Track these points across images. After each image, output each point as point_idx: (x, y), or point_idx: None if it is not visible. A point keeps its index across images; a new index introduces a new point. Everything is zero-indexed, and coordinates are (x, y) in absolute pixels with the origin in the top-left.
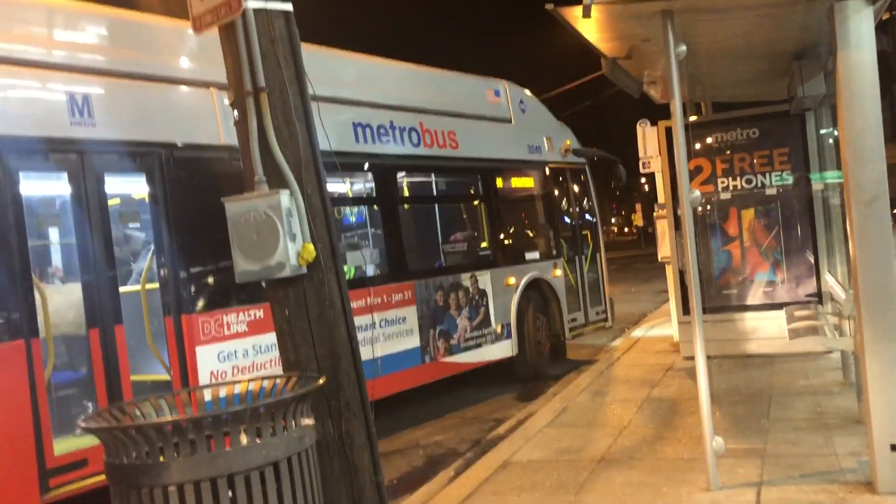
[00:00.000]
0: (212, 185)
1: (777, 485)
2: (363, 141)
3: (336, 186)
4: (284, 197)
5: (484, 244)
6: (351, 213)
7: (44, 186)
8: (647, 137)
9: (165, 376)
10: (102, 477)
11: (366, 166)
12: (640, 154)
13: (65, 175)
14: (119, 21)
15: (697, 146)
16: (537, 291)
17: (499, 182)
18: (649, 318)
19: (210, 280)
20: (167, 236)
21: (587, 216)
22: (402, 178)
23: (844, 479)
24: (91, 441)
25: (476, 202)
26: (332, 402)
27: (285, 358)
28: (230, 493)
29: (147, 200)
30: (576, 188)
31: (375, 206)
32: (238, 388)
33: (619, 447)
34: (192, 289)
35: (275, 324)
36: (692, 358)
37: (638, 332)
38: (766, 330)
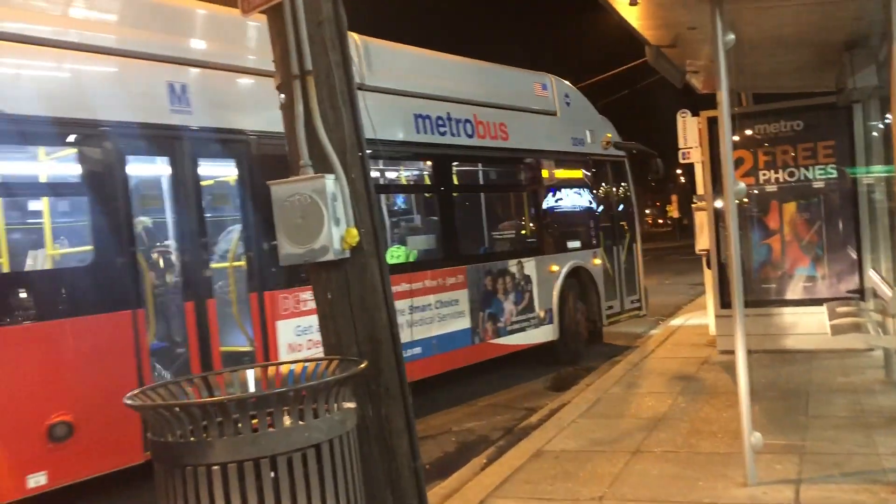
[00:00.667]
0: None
1: (816, 482)
2: (423, 132)
3: (397, 174)
4: (329, 181)
5: (530, 232)
6: (411, 201)
7: (150, 169)
8: (688, 128)
9: (249, 347)
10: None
11: (425, 156)
12: (680, 144)
13: (167, 158)
14: (217, 17)
15: (738, 137)
16: (577, 279)
17: (544, 173)
18: (684, 310)
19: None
20: (253, 218)
21: (625, 208)
22: (457, 168)
23: (887, 479)
24: None
25: (523, 192)
26: (373, 387)
27: (326, 341)
28: (272, 474)
29: (235, 184)
30: (615, 180)
31: (433, 194)
32: (282, 370)
33: (654, 440)
34: (273, 267)
35: (317, 307)
36: (729, 352)
37: (672, 325)
38: (805, 325)
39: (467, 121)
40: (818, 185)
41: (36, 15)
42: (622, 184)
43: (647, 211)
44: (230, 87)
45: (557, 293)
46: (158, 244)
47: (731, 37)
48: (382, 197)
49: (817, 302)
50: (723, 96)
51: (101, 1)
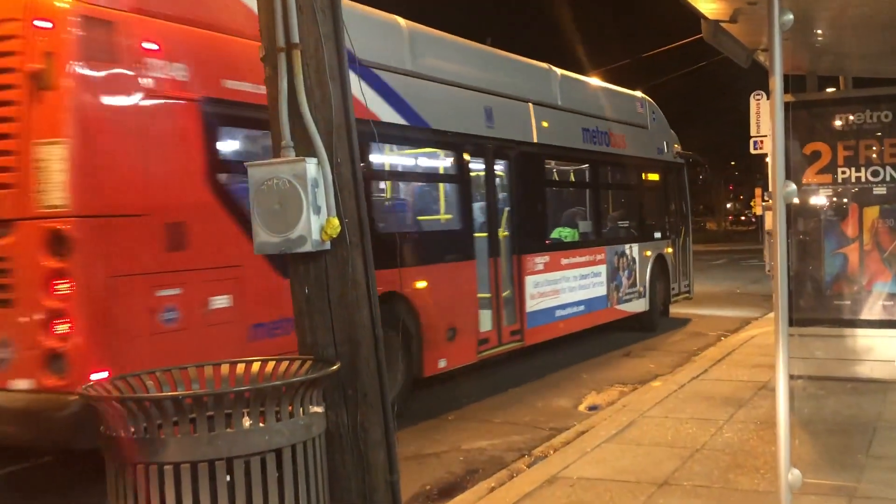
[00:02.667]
0: (530, 171)
1: None
2: (585, 142)
3: (567, 174)
4: (311, 165)
5: (636, 223)
6: (573, 194)
7: (475, 166)
8: (762, 113)
9: (509, 293)
10: (499, 349)
11: (585, 160)
12: (752, 131)
13: (482, 159)
14: (496, 56)
15: (817, 127)
16: (658, 263)
17: (643, 175)
18: (752, 325)
19: (533, 233)
20: (514, 201)
21: (683, 206)
22: (600, 170)
23: None
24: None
25: (632, 190)
26: (349, 392)
27: (301, 340)
28: (228, 478)
29: (507, 178)
30: (678, 183)
31: (588, 190)
32: (253, 368)
33: (687, 472)
34: (524, 238)
35: (293, 302)
36: (794, 377)
37: (735, 342)
38: (881, 351)
39: (605, 133)
40: None
41: (435, 63)
42: (683, 187)
43: (728, 205)
44: (508, 110)
45: (649, 273)
46: (476, 219)
47: (789, 17)
48: (556, 189)
49: None
50: (776, 83)
51: (457, 52)
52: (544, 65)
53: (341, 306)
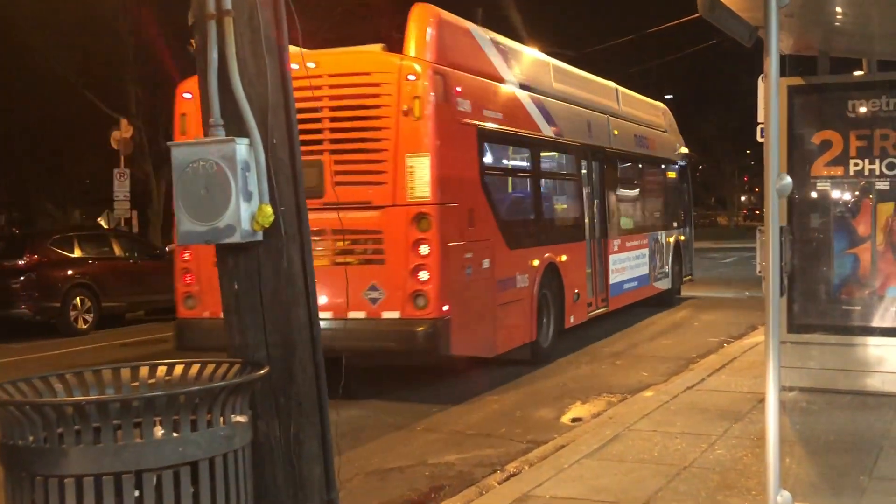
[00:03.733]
0: (608, 170)
1: None
2: (636, 146)
3: (620, 172)
4: (242, 146)
5: (663, 213)
6: (628, 190)
7: (580, 167)
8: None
9: (600, 268)
10: (597, 311)
11: (635, 161)
12: (760, 117)
13: (584, 161)
14: (590, 78)
15: (829, 114)
16: (676, 249)
17: (666, 173)
18: (759, 331)
19: (611, 220)
20: (601, 195)
21: (688, 200)
22: (642, 168)
23: None
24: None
25: (660, 186)
26: (281, 400)
27: (230, 341)
28: (136, 493)
29: (594, 176)
30: (685, 179)
31: (637, 185)
32: (175, 371)
33: (672, 492)
34: (606, 224)
35: (222, 298)
36: (795, 389)
37: (738, 348)
38: (893, 362)
39: (645, 138)
40: None
41: (560, 86)
42: (688, 182)
43: (743, 198)
44: (597, 121)
45: (671, 257)
46: (584, 209)
47: None
48: (621, 184)
49: None
50: (771, 65)
51: (568, 75)
52: (611, 83)
53: (275, 304)
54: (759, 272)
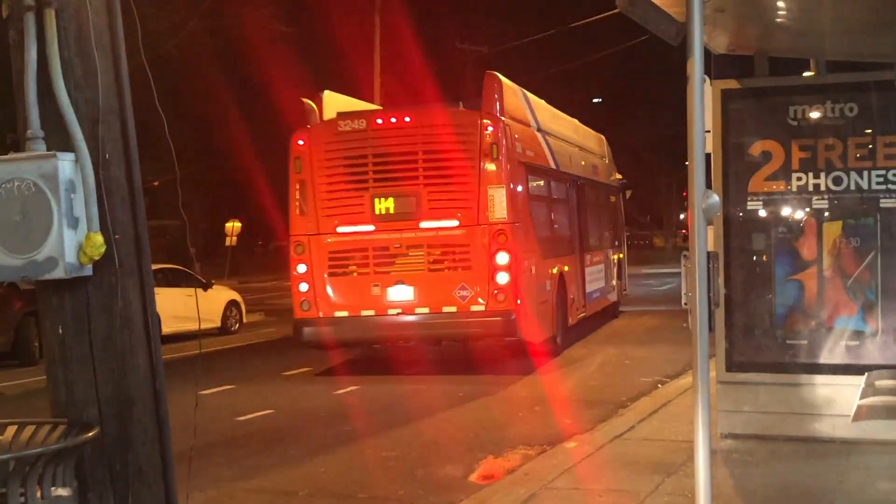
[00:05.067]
0: (580, 196)
1: None
2: (592, 173)
3: (595, 197)
4: (66, 163)
5: (610, 234)
6: (596, 213)
7: (571, 193)
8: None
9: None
10: (582, 315)
11: (590, 187)
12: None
13: (570, 189)
14: (566, 117)
15: (768, 122)
16: (618, 266)
17: (610, 198)
18: None
19: (585, 237)
20: (576, 216)
21: (621, 221)
22: (600, 195)
23: None
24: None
25: (607, 209)
26: (117, 467)
27: (54, 397)
28: None
29: (573, 200)
30: (620, 202)
31: (599, 209)
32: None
33: None
34: (583, 241)
35: (44, 346)
36: (736, 436)
37: (674, 390)
38: (844, 403)
39: (596, 166)
40: (876, 198)
41: (564, 131)
42: (621, 205)
43: (682, 216)
44: (588, 160)
45: (616, 272)
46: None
47: None
48: (589, 206)
49: (864, 369)
50: (694, 66)
51: (569, 123)
52: (573, 119)
53: (108, 352)
54: (685, 304)
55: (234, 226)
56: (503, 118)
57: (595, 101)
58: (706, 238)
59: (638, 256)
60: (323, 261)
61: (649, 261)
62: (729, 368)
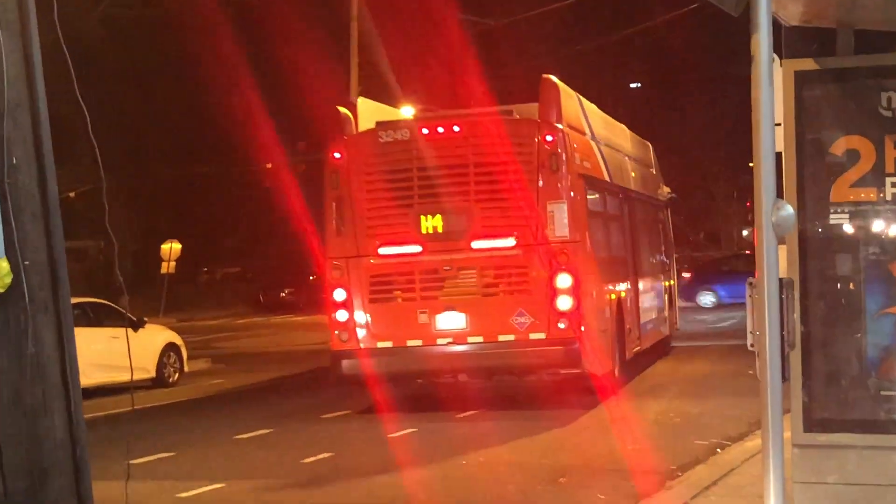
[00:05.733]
0: (632, 212)
1: None
2: (642, 186)
3: (638, 214)
4: None
5: (661, 256)
6: (643, 232)
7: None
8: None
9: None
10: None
11: (641, 202)
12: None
13: (623, 204)
14: (614, 122)
15: (854, 113)
16: (669, 294)
17: (659, 214)
18: None
19: (639, 260)
20: (630, 235)
21: (672, 242)
22: (646, 210)
23: None
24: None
25: (657, 228)
26: None
27: None
28: None
29: (626, 217)
30: (669, 220)
31: (646, 228)
32: None
33: None
34: (637, 264)
35: None
36: None
37: (737, 456)
38: None
39: (646, 178)
40: None
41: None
42: (670, 223)
43: (745, 232)
44: (631, 167)
45: (667, 302)
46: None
47: None
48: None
49: None
50: (759, 42)
51: (623, 132)
52: (622, 125)
53: (16, 411)
54: (751, 345)
55: (172, 248)
56: (564, 126)
57: (633, 86)
58: (777, 261)
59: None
60: (363, 286)
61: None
62: (808, 428)
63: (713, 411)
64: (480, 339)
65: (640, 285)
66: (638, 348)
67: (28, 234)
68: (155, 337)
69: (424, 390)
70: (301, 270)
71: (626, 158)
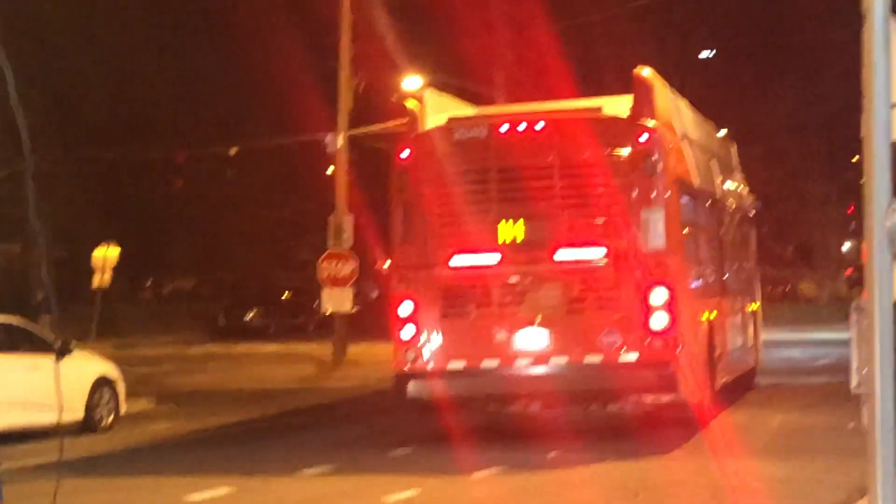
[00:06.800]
0: (718, 222)
1: None
2: (727, 193)
3: (723, 225)
4: None
5: (747, 276)
6: (728, 247)
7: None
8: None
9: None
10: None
11: (726, 211)
12: (867, 91)
13: (712, 212)
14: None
15: None
16: (754, 320)
17: (743, 226)
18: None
19: (726, 278)
20: (716, 248)
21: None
22: (731, 220)
23: None
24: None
25: (742, 242)
26: None
27: None
28: None
29: (712, 228)
30: (753, 233)
31: (731, 242)
32: None
33: None
34: (723, 282)
35: None
36: None
37: None
38: None
39: (732, 182)
40: None
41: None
42: (755, 237)
43: (845, 245)
44: (713, 168)
45: (753, 329)
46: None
47: None
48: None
49: None
50: None
51: (703, 124)
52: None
53: None
54: (856, 386)
55: (107, 254)
56: (660, 125)
57: (703, 55)
58: (892, 280)
59: (773, 312)
60: (434, 299)
61: (790, 319)
62: None
63: (801, 474)
64: (564, 359)
65: (729, 307)
66: (726, 378)
67: None
68: (84, 368)
69: (482, 421)
70: (272, 286)
71: (713, 160)
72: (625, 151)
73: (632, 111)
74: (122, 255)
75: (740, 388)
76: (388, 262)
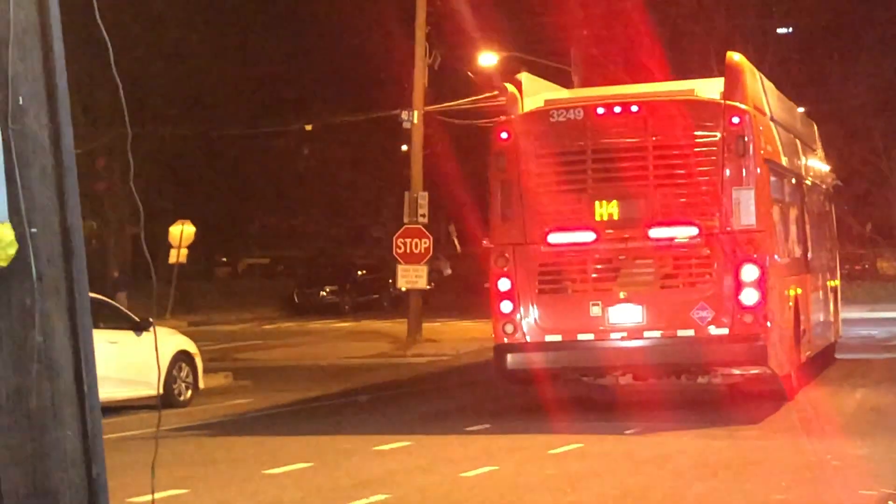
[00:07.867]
0: (803, 201)
1: None
2: (811, 173)
3: (808, 204)
4: None
5: (827, 252)
6: (812, 223)
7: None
8: None
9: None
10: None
11: (811, 189)
12: None
13: (796, 192)
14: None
15: None
16: (834, 295)
17: (825, 204)
18: None
19: (811, 255)
20: (801, 226)
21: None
22: (815, 198)
23: None
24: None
25: (823, 219)
26: None
27: None
28: None
29: (798, 207)
30: (833, 211)
31: (814, 220)
32: None
33: None
34: (807, 258)
35: None
36: None
37: None
38: None
39: (814, 161)
40: None
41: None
42: (834, 214)
43: None
44: (800, 149)
45: (832, 304)
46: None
47: None
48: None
49: None
50: None
51: (789, 107)
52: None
53: (18, 415)
54: None
55: (183, 231)
56: (751, 107)
57: (781, 31)
58: None
59: (851, 290)
60: (531, 275)
61: (868, 298)
62: None
63: (881, 453)
64: (658, 333)
65: (812, 283)
66: (809, 353)
67: (36, 194)
68: (162, 343)
69: (565, 394)
70: (346, 263)
71: (797, 140)
72: (717, 132)
73: (723, 94)
74: (197, 233)
75: (821, 362)
76: (487, 240)
